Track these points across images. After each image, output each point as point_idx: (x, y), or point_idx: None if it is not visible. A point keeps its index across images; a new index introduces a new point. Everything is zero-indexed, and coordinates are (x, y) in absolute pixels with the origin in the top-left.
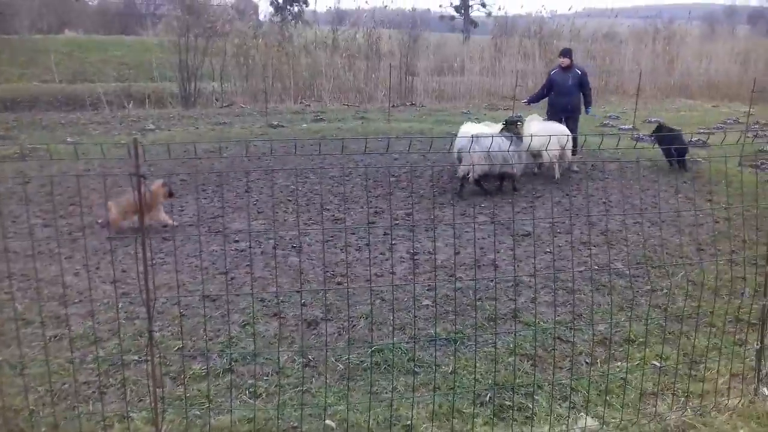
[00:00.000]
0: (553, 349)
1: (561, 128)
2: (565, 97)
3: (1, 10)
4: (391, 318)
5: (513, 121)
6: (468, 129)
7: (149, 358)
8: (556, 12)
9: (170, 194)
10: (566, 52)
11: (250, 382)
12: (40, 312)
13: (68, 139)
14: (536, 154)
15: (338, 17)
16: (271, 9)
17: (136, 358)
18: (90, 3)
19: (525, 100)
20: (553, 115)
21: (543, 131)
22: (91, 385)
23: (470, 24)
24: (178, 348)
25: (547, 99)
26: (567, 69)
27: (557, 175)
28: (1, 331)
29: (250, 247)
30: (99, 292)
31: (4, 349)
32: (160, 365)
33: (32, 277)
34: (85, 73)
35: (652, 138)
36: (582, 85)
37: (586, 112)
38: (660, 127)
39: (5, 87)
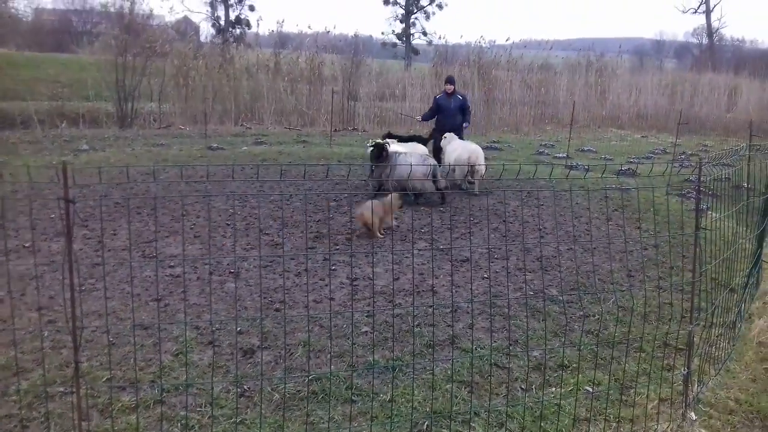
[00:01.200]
0: (490, 376)
1: (474, 147)
2: (449, 119)
3: None
4: (330, 345)
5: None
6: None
7: (75, 389)
8: (495, 42)
9: (400, 206)
10: (451, 80)
11: (182, 413)
12: None
13: None
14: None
15: (281, 41)
16: (212, 30)
17: (61, 389)
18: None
19: (419, 117)
20: (437, 134)
21: (461, 148)
22: (12, 419)
23: (411, 51)
24: (107, 378)
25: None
26: (451, 94)
27: (476, 191)
28: None
29: (184, 273)
30: (24, 320)
31: None
32: (86, 397)
33: None
34: (16, 90)
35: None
36: (463, 108)
37: (464, 127)
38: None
39: None
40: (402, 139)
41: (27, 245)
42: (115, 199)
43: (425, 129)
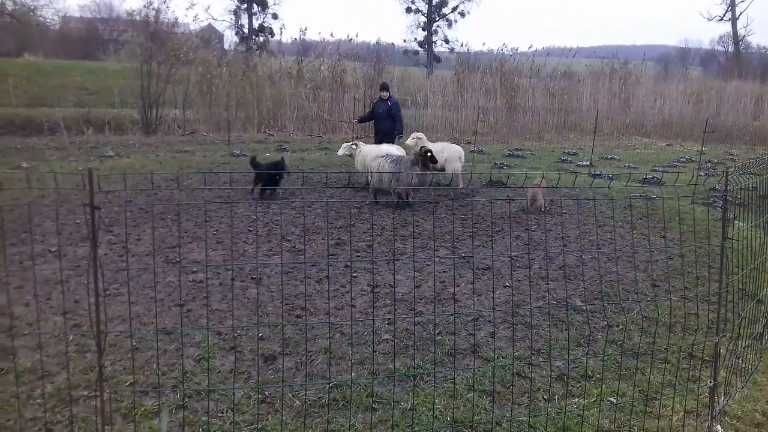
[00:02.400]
0: (512, 385)
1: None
2: (382, 123)
3: None
4: (350, 352)
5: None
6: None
7: (98, 393)
8: (517, 50)
9: None
10: (385, 86)
11: (203, 419)
12: None
13: (23, 164)
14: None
15: (303, 48)
16: (236, 39)
17: (85, 393)
18: (51, 27)
19: (356, 120)
20: (375, 137)
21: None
22: (37, 422)
23: (433, 59)
24: (130, 383)
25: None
26: (385, 101)
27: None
28: None
29: (207, 279)
30: (49, 324)
31: None
32: (110, 401)
33: None
34: (44, 97)
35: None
36: (392, 114)
37: (398, 138)
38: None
39: None
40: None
41: (53, 250)
42: (139, 204)
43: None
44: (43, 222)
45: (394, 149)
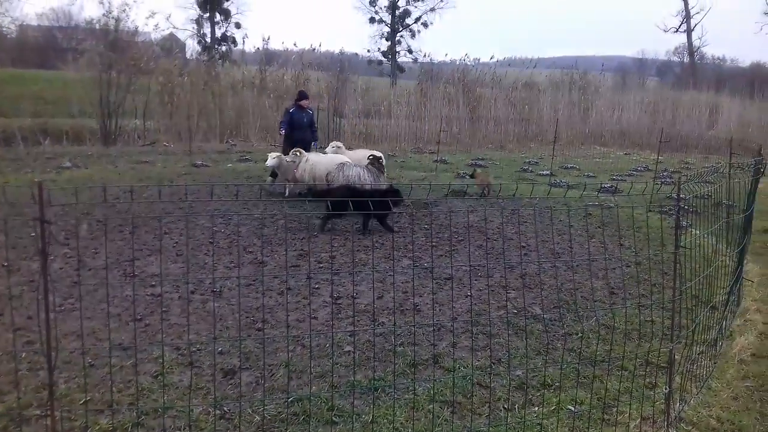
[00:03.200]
0: (472, 396)
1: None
2: (304, 132)
3: None
4: (311, 365)
5: (377, 157)
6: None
7: (50, 413)
8: (479, 60)
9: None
10: (305, 95)
11: None
12: None
13: None
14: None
15: (267, 58)
16: (198, 48)
17: (37, 412)
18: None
19: (282, 130)
20: (288, 147)
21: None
22: None
23: (397, 69)
24: (84, 401)
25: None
26: (305, 109)
27: None
28: None
29: (161, 293)
30: (0, 341)
31: None
32: (62, 420)
33: None
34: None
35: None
36: (311, 123)
37: (315, 147)
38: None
39: None
40: None
41: (5, 264)
42: (96, 217)
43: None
44: None
45: (341, 158)
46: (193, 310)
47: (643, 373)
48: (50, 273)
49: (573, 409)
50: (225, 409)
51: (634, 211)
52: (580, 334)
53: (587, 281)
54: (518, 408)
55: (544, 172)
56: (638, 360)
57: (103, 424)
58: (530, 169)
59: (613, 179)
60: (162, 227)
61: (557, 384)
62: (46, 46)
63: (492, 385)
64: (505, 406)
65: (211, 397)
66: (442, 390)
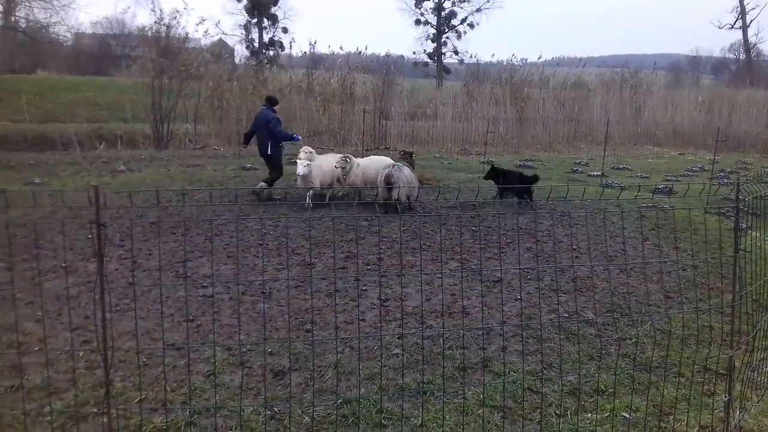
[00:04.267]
0: (523, 401)
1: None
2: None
3: None
4: (359, 368)
5: (409, 153)
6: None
7: (106, 411)
8: (527, 60)
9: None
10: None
11: None
12: None
13: (36, 180)
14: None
15: (313, 62)
16: (246, 53)
17: (94, 410)
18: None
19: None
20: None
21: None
22: None
23: (443, 70)
24: (139, 400)
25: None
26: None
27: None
28: None
29: (213, 294)
30: (59, 340)
31: None
32: (118, 418)
33: None
34: (57, 113)
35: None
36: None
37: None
38: (494, 168)
39: None
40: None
41: (64, 265)
42: (150, 219)
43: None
44: (54, 237)
45: (388, 160)
46: (243, 311)
47: (702, 380)
48: (106, 274)
49: (628, 416)
50: (275, 409)
51: (691, 213)
52: (634, 339)
53: (641, 285)
54: (570, 414)
55: (594, 173)
56: (696, 366)
57: (156, 422)
58: (580, 170)
59: (667, 180)
60: (213, 229)
61: (611, 390)
62: (100, 54)
63: (543, 390)
64: (557, 412)
65: (262, 398)
66: (491, 395)
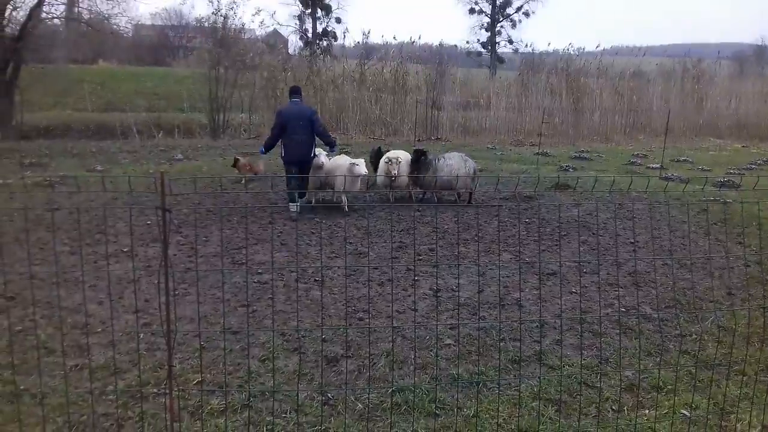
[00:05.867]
0: (579, 395)
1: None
2: None
3: (38, 41)
4: (413, 357)
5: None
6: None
7: (168, 391)
8: (584, 49)
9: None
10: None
11: (268, 419)
12: (62, 341)
13: (98, 168)
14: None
15: (366, 52)
16: (300, 43)
17: (155, 391)
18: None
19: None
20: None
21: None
22: (109, 417)
23: (497, 60)
24: (197, 382)
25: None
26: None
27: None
28: (23, 359)
29: (272, 280)
30: (121, 322)
31: (25, 378)
32: (178, 399)
33: (56, 305)
34: (117, 102)
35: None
36: None
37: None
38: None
39: (39, 116)
40: None
41: (125, 250)
42: (207, 206)
43: None
44: (116, 223)
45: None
46: (297, 298)
47: (765, 378)
48: (164, 259)
49: (687, 414)
50: (329, 395)
51: (759, 206)
52: (695, 336)
53: (704, 280)
54: (628, 410)
55: (653, 166)
56: (759, 365)
57: (214, 404)
58: (638, 162)
59: (730, 173)
60: (267, 217)
61: (670, 387)
62: (159, 45)
63: (600, 385)
64: (614, 408)
65: (316, 383)
66: (546, 388)
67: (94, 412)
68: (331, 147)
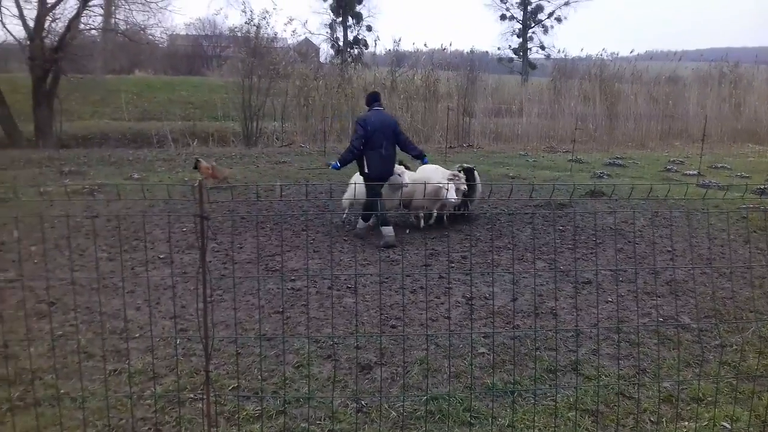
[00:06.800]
0: (616, 406)
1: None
2: None
3: (76, 51)
4: (447, 365)
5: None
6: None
7: (205, 396)
8: (618, 54)
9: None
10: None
11: (303, 425)
12: (102, 346)
13: (135, 175)
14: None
15: (397, 59)
16: (332, 51)
17: (191, 396)
18: (160, 45)
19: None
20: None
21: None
22: (147, 422)
23: (529, 66)
24: (233, 387)
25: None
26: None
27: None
28: (63, 363)
29: (308, 288)
30: (158, 328)
31: (65, 382)
32: (215, 404)
33: (96, 310)
34: (153, 111)
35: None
36: None
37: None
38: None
39: (78, 124)
40: None
41: (162, 257)
42: (241, 213)
43: None
44: (152, 230)
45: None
46: (329, 305)
47: None
48: (202, 266)
49: (728, 426)
50: (363, 402)
51: None
52: (736, 347)
53: (744, 290)
54: (666, 422)
55: (690, 172)
56: None
57: (249, 409)
58: (675, 168)
59: None
60: (299, 224)
61: (710, 399)
62: (193, 54)
63: (638, 396)
64: (652, 419)
65: (349, 390)
66: (582, 398)
67: (132, 416)
68: (421, 159)
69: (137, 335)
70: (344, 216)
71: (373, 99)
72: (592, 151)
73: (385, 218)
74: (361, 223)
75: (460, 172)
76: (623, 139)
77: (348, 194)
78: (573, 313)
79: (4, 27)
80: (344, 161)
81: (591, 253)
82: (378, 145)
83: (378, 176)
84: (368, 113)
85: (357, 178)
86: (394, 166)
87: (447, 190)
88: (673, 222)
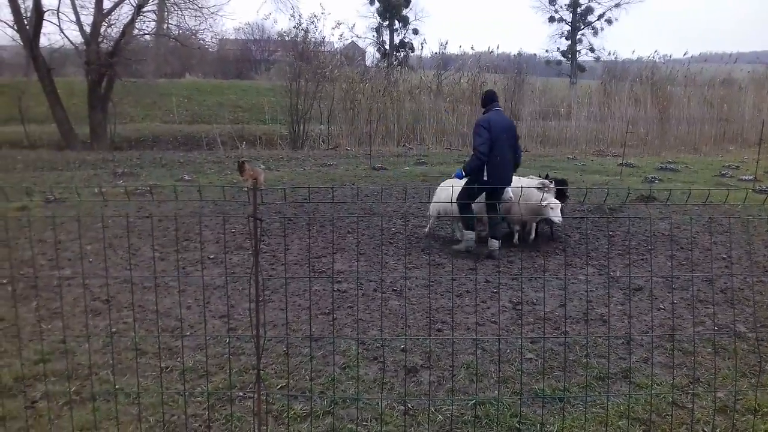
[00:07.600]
0: (669, 415)
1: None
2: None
3: (130, 56)
4: (494, 370)
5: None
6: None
7: (255, 395)
8: (670, 56)
9: None
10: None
11: (350, 426)
12: (156, 343)
13: (185, 177)
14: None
15: (443, 62)
16: (378, 55)
17: (240, 394)
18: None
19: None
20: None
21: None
22: (198, 419)
23: (577, 68)
24: (282, 386)
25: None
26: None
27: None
28: (118, 359)
29: (358, 290)
30: (209, 326)
31: (120, 378)
32: (266, 403)
33: (149, 309)
34: (203, 114)
35: None
36: None
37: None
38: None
39: (131, 127)
40: None
41: (212, 257)
42: (287, 215)
43: None
44: (202, 231)
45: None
46: (376, 307)
47: None
48: (249, 266)
49: None
50: (410, 405)
51: None
52: None
53: None
54: None
55: (746, 177)
56: None
57: (297, 409)
58: (729, 173)
59: None
60: (345, 227)
61: (766, 410)
62: (242, 58)
63: (692, 406)
64: (706, 430)
65: (396, 393)
66: (634, 407)
67: (185, 412)
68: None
69: (189, 333)
70: (427, 229)
71: (490, 99)
72: (643, 155)
73: (472, 223)
74: (493, 243)
75: (551, 182)
76: (675, 143)
77: (440, 201)
78: (624, 320)
79: (62, 33)
80: (471, 169)
81: (642, 259)
82: (500, 149)
83: (498, 184)
84: (488, 115)
85: (451, 182)
86: (512, 173)
87: (552, 209)
88: (727, 228)
